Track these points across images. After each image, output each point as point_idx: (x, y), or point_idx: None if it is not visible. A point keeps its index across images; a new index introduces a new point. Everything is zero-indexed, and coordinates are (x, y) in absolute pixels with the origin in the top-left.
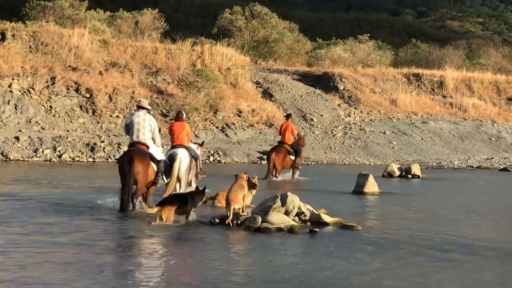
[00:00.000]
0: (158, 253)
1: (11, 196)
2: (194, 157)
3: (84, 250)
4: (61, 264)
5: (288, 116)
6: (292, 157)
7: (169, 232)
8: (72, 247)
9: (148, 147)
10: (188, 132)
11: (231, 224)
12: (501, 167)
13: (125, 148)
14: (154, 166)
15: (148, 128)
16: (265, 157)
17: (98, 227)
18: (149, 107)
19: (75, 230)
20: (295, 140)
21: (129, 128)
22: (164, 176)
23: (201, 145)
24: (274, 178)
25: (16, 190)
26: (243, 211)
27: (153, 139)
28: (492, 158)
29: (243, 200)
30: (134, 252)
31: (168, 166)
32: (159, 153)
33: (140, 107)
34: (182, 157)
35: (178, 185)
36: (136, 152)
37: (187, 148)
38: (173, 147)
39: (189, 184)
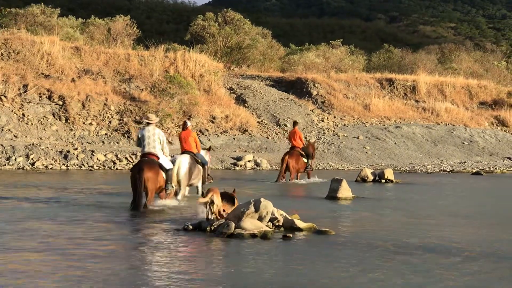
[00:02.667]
0: (130, 259)
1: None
2: (202, 163)
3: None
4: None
5: (295, 124)
6: (305, 160)
7: (142, 239)
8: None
9: (158, 157)
10: (195, 138)
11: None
12: (474, 170)
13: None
14: (163, 174)
15: (157, 141)
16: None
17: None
18: (156, 120)
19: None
20: (304, 145)
21: (140, 141)
22: (172, 184)
23: (208, 150)
24: (293, 180)
25: (46, 195)
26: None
27: (162, 150)
28: (465, 162)
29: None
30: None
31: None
32: (168, 162)
33: (149, 123)
34: (182, 163)
35: (178, 188)
36: (146, 161)
37: (193, 154)
38: (181, 153)
39: (197, 188)
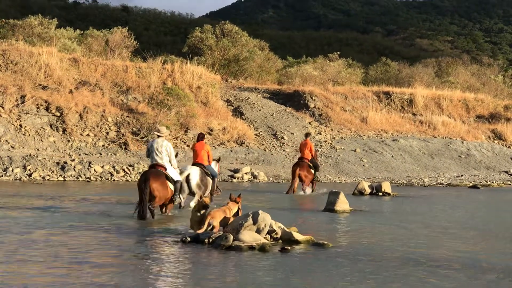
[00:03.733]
0: (125, 271)
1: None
2: (212, 175)
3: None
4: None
5: (307, 135)
6: (313, 171)
7: (140, 250)
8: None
9: (165, 168)
10: (208, 151)
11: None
12: (471, 184)
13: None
14: (171, 185)
15: (165, 153)
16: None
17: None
18: (167, 133)
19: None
20: (313, 157)
21: (149, 152)
22: (180, 195)
23: (218, 161)
24: (302, 192)
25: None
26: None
27: (170, 162)
28: (462, 175)
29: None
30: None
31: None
32: (176, 174)
33: (159, 136)
34: (192, 174)
35: (192, 198)
36: (152, 172)
37: (203, 166)
38: (192, 164)
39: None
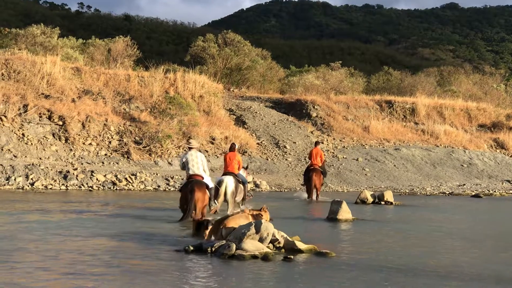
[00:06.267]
0: (128, 281)
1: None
2: (243, 182)
3: None
4: None
5: (317, 143)
6: (323, 178)
7: (141, 260)
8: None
9: (202, 177)
10: (239, 161)
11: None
12: (473, 193)
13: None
14: (208, 193)
15: (200, 163)
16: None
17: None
18: (198, 145)
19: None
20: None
21: (185, 165)
22: (215, 200)
23: (245, 168)
24: (314, 199)
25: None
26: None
27: (204, 170)
28: (464, 184)
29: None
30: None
31: (216, 189)
32: (210, 182)
33: (190, 148)
34: (228, 183)
35: (227, 205)
36: (196, 182)
37: (235, 175)
38: (224, 173)
39: (238, 205)
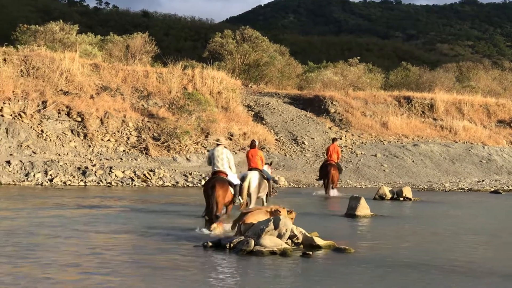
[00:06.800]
0: (145, 276)
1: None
2: (267, 178)
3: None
4: None
5: (334, 140)
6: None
7: (160, 255)
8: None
9: (226, 174)
10: (261, 156)
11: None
12: (492, 189)
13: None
14: (231, 189)
15: (225, 160)
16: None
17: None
18: (226, 143)
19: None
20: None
21: (211, 160)
22: (240, 197)
23: (270, 164)
24: (331, 194)
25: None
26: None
27: (229, 168)
28: (483, 180)
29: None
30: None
31: (240, 185)
32: (235, 179)
33: (218, 144)
34: (252, 179)
35: (249, 201)
36: (217, 179)
37: (260, 170)
38: (249, 169)
39: (262, 201)
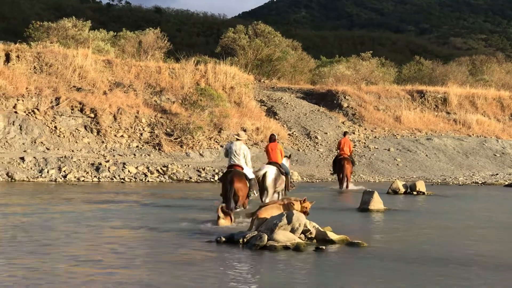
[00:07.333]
0: (162, 271)
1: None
2: (286, 172)
3: None
4: None
5: (345, 133)
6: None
7: (174, 250)
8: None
9: (242, 168)
10: (281, 150)
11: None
12: (506, 183)
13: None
14: (247, 182)
15: (242, 155)
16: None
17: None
18: (245, 138)
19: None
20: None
21: (228, 153)
22: (255, 191)
23: (288, 157)
24: (344, 188)
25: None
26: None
27: (246, 163)
28: (497, 174)
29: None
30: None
31: (257, 179)
32: (250, 173)
33: (238, 139)
34: (269, 172)
35: (265, 194)
36: (235, 173)
37: (279, 165)
38: (267, 163)
39: (279, 195)
